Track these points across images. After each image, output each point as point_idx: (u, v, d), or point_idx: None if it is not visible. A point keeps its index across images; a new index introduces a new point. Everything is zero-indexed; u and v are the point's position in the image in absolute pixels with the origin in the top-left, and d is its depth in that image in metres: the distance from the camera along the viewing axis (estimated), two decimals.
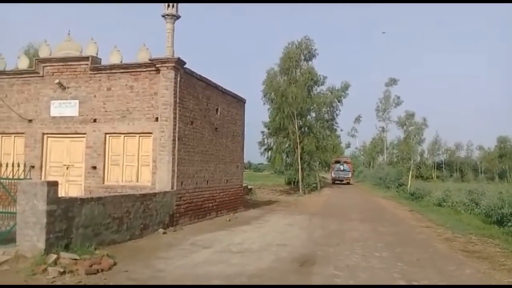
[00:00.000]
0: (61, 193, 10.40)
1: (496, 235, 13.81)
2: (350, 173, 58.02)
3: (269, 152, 39.48)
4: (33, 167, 13.97)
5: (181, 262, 8.83)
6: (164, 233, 12.08)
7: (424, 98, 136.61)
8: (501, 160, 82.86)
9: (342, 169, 57.43)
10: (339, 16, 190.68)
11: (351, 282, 7.67)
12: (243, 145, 20.35)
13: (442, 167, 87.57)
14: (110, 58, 14.06)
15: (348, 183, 55.63)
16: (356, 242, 11.93)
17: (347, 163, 59.28)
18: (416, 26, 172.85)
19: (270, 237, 12.46)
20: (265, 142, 39.59)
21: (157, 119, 13.40)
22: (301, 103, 34.63)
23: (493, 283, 7.92)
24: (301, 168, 36.39)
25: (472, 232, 14.43)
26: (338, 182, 55.58)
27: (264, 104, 37.39)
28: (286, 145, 38.39)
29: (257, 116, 57.36)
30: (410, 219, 18.72)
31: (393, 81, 69.44)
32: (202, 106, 15.41)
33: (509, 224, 14.90)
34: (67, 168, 14.32)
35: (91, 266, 7.67)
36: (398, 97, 69.72)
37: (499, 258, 10.28)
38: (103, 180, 13.84)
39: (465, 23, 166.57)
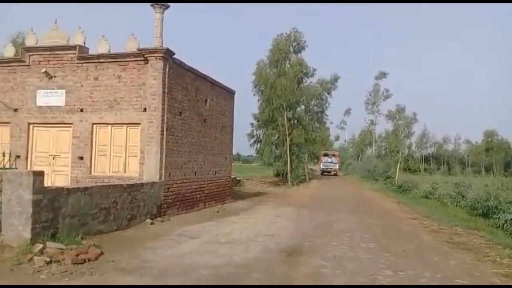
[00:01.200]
0: (47, 183, 10.32)
1: (481, 227, 14.00)
2: (337, 165, 62.09)
3: (258, 144, 39.55)
4: (18, 157, 13.80)
5: (169, 252, 8.82)
6: (152, 223, 12.05)
7: (413, 92, 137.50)
8: (488, 154, 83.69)
9: (330, 161, 61.09)
10: (330, 9, 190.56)
11: (338, 272, 7.72)
12: (232, 137, 20.32)
13: (429, 160, 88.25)
14: (98, 48, 13.89)
15: (335, 174, 59.78)
16: (343, 233, 12.00)
17: (335, 156, 63.06)
18: (407, 21, 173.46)
19: (258, 228, 12.49)
20: (254, 134, 39.64)
21: (145, 109, 13.31)
22: (289, 95, 34.66)
23: (477, 274, 8.01)
24: (290, 160, 36.51)
25: (458, 224, 14.61)
26: (326, 173, 59.32)
27: (254, 95, 37.42)
28: (275, 137, 38.48)
29: (246, 107, 57.44)
30: (397, 211, 18.89)
31: (382, 75, 69.93)
32: (191, 97, 15.34)
33: (494, 216, 15.09)
34: (53, 158, 14.19)
35: (77, 255, 7.63)
36: (387, 90, 70.17)
37: (484, 250, 10.41)
38: (90, 170, 13.74)
39: (453, 19, 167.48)
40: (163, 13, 13.41)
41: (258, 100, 37.71)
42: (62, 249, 7.88)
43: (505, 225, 13.73)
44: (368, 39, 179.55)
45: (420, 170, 74.01)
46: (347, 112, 79.88)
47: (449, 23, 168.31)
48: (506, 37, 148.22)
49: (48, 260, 7.31)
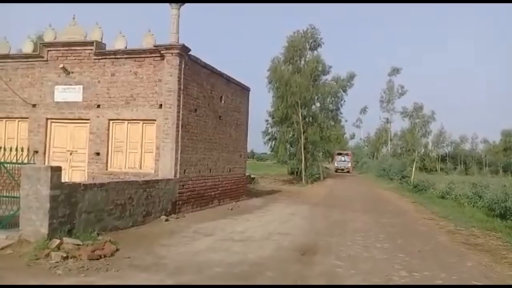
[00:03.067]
0: (65, 178, 10.38)
1: (498, 229, 13.76)
2: (350, 163, 67.82)
3: (273, 141, 39.47)
4: (36, 152, 13.99)
5: (183, 249, 8.86)
6: (167, 220, 12.11)
7: (429, 89, 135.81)
8: (505, 154, 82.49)
9: (343, 160, 66.72)
10: (347, 8, 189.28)
11: (352, 272, 7.67)
12: (247, 134, 20.33)
13: (446, 159, 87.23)
14: (115, 44, 13.99)
15: (348, 172, 64.92)
16: (358, 233, 11.93)
17: (348, 155, 68.80)
18: (425, 15, 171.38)
19: (272, 226, 12.47)
20: (269, 131, 39.56)
21: (161, 106, 13.37)
22: (305, 92, 34.50)
23: (494, 276, 7.89)
24: (305, 158, 36.39)
25: (475, 225, 14.39)
26: (340, 171, 64.46)
27: (269, 91, 37.31)
28: (290, 135, 38.36)
29: (261, 105, 57.52)
30: (412, 211, 18.71)
31: (395, 71, 68.00)
32: (206, 94, 15.36)
33: None
34: (70, 154, 14.34)
35: (93, 251, 7.70)
36: (402, 87, 68.89)
37: (501, 251, 10.25)
38: (106, 166, 13.86)
39: (475, 11, 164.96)
40: (179, 9, 13.44)
41: (273, 96, 37.65)
42: (78, 244, 7.96)
43: None
44: (384, 36, 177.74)
45: (436, 170, 73.14)
46: (363, 110, 79.04)
47: (468, 19, 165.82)
48: None
49: (64, 255, 7.40)
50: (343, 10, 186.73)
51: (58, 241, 7.85)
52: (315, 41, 36.56)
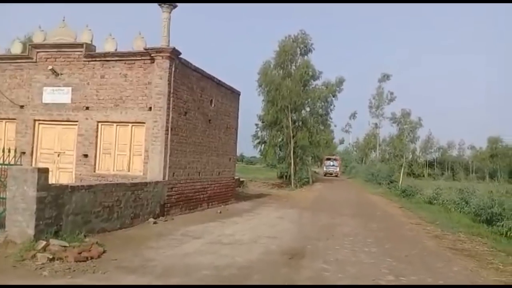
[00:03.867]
0: (52, 180, 10.32)
1: (484, 234, 13.94)
2: (338, 167, 70.91)
3: (262, 145, 39.48)
4: (23, 153, 13.87)
5: (171, 252, 8.83)
6: (155, 223, 12.06)
7: (417, 96, 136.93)
8: (492, 160, 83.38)
9: (332, 164, 69.74)
10: (336, 11, 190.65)
11: (340, 276, 7.71)
12: (236, 138, 20.33)
13: (434, 165, 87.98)
14: (105, 46, 13.94)
15: (336, 176, 67.87)
16: (346, 237, 11.98)
17: (336, 160, 71.94)
18: (412, 25, 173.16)
19: (261, 230, 12.48)
20: (259, 135, 39.57)
21: (150, 108, 13.33)
22: (295, 97, 34.61)
23: (480, 281, 7.98)
24: (294, 162, 36.45)
25: (461, 230, 14.55)
26: (329, 175, 67.64)
27: (259, 95, 37.33)
28: (280, 139, 38.41)
29: (251, 108, 57.65)
30: (400, 216, 18.84)
31: (385, 77, 68.40)
32: (196, 97, 15.36)
33: (498, 223, 15.02)
34: (58, 155, 14.23)
35: (80, 253, 7.65)
36: (392, 93, 69.36)
37: (487, 257, 10.37)
38: (94, 168, 13.77)
39: (460, 23, 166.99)
40: (170, 12, 13.44)
41: (263, 100, 37.67)
42: (65, 246, 7.90)
43: (508, 233, 13.70)
44: (374, 41, 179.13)
45: (424, 175, 73.78)
46: (353, 115, 79.29)
47: (455, 24, 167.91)
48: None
49: (51, 257, 7.34)
50: (334, 15, 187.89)
51: (44, 242, 7.78)
52: (305, 47, 36.66)
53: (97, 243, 8.48)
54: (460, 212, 20.19)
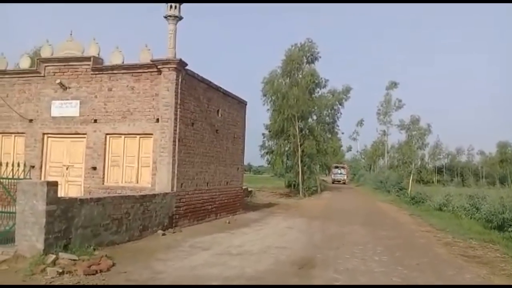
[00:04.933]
0: (61, 193, 10.37)
1: (496, 240, 13.77)
2: (345, 175, 74.64)
3: (270, 154, 39.45)
4: (33, 167, 13.95)
5: (180, 264, 8.81)
6: (163, 234, 12.05)
7: (425, 102, 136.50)
8: (502, 165, 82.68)
9: (340, 172, 73.45)
10: (342, 19, 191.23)
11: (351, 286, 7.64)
12: (244, 147, 20.34)
13: (443, 171, 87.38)
14: (112, 59, 14.05)
15: (344, 183, 70.71)
16: (356, 246, 11.89)
17: (344, 168, 76.08)
18: (419, 28, 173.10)
19: (270, 240, 12.43)
20: (266, 144, 39.56)
21: (157, 120, 13.38)
22: (302, 105, 34.63)
23: None
24: (302, 171, 36.35)
25: (473, 237, 14.39)
26: (337, 182, 70.66)
27: (263, 104, 37.37)
28: (287, 148, 38.37)
29: (258, 118, 57.91)
30: (410, 223, 18.68)
31: (393, 84, 68.92)
32: (203, 108, 15.40)
33: (510, 229, 14.84)
34: (67, 169, 14.30)
35: (89, 267, 7.65)
36: (400, 100, 69.35)
37: (499, 264, 10.25)
38: (103, 181, 13.82)
39: (468, 24, 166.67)
40: (176, 24, 13.54)
41: (268, 110, 37.72)
42: (74, 260, 7.92)
43: None
44: (384, 46, 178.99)
45: (433, 182, 73.19)
46: (360, 123, 79.26)
47: (464, 31, 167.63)
48: None
49: (60, 271, 7.35)
50: (341, 23, 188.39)
51: (54, 256, 7.80)
52: (312, 55, 36.76)
53: (106, 256, 8.48)
54: (471, 218, 19.97)
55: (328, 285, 7.27)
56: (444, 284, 8.05)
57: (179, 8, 13.58)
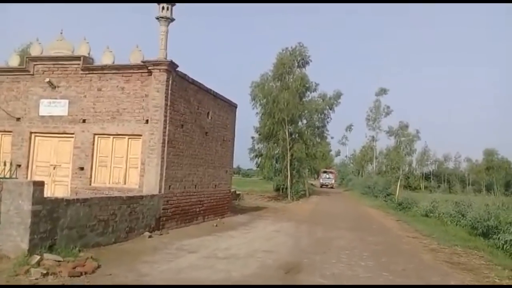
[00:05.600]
0: (47, 193, 10.27)
1: (481, 247, 13.92)
2: (333, 180, 77.08)
3: (259, 158, 39.44)
4: (19, 166, 13.82)
5: (166, 266, 8.76)
6: (150, 236, 11.98)
7: (413, 108, 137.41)
8: (488, 173, 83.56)
9: (328, 177, 75.31)
10: (332, 23, 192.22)
11: None
12: (233, 150, 20.32)
13: (430, 177, 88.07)
14: (102, 59, 13.98)
15: (332, 187, 73.35)
16: (342, 251, 11.94)
17: (332, 172, 78.28)
18: (409, 37, 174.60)
19: (257, 244, 12.43)
20: (255, 147, 39.56)
21: (147, 121, 13.33)
22: (292, 109, 34.70)
23: None
24: (290, 175, 36.39)
25: (458, 243, 14.53)
26: (325, 186, 73.28)
27: (252, 108, 37.38)
28: (276, 151, 38.38)
29: (248, 121, 57.83)
30: (397, 229, 18.80)
31: (383, 91, 69.89)
32: (193, 110, 15.37)
33: (494, 236, 15.00)
34: (54, 168, 14.17)
35: (74, 268, 7.58)
36: (388, 107, 70.13)
37: (483, 270, 10.34)
38: (90, 181, 13.71)
39: (456, 34, 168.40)
40: (167, 26, 13.52)
41: (257, 113, 37.72)
42: (59, 261, 7.84)
43: (505, 246, 13.65)
44: (370, 53, 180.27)
45: (420, 188, 73.84)
46: (349, 128, 79.79)
47: (453, 34, 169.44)
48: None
49: (44, 272, 7.27)
50: (331, 28, 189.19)
51: (38, 257, 7.71)
52: (303, 59, 36.83)
53: (91, 257, 8.41)
54: (457, 225, 20.17)
55: (324, 285, 7.26)
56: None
57: (171, 9, 13.57)
